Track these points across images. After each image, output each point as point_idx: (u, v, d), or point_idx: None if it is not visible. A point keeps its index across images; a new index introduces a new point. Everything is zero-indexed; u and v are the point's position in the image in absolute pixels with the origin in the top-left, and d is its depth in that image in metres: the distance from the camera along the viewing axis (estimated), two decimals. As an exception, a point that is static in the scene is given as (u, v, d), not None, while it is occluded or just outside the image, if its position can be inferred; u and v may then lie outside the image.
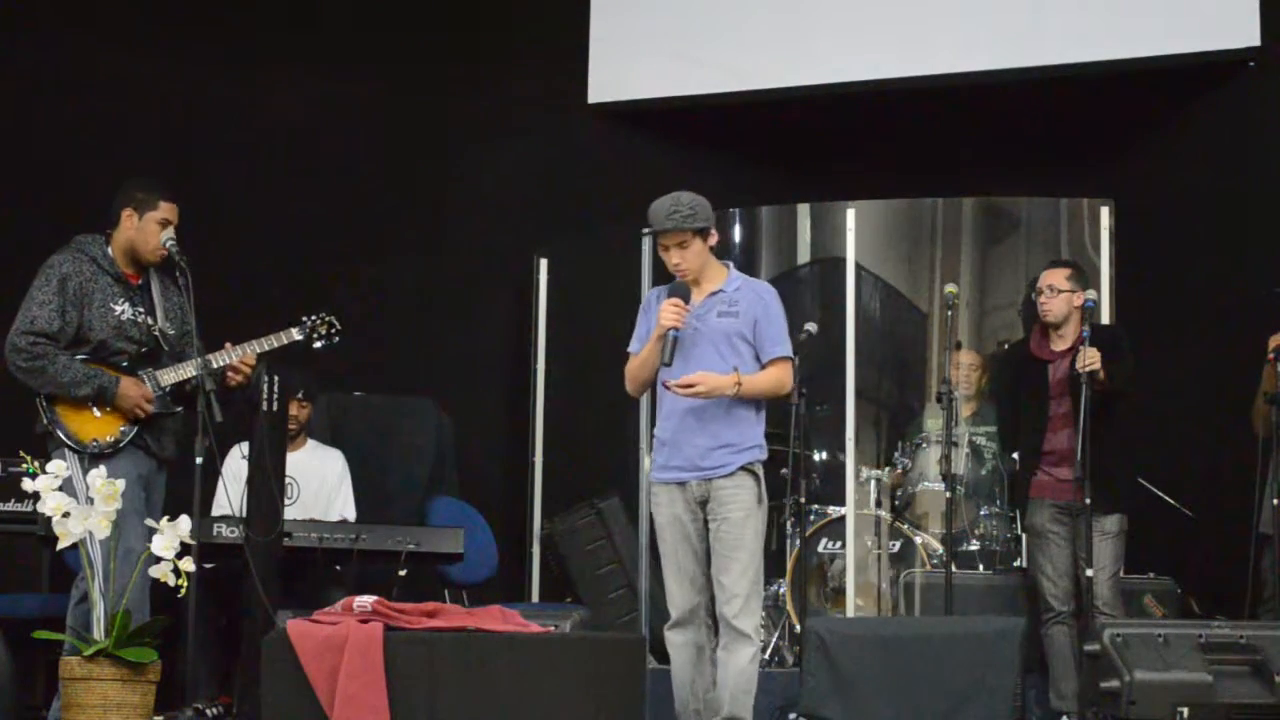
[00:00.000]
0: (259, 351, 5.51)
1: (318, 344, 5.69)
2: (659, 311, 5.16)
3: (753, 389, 5.19)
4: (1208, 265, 7.52)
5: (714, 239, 5.29)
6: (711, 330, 5.22)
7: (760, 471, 5.21)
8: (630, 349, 5.38)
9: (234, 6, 7.80)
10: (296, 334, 5.64)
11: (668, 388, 5.19)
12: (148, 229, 5.40)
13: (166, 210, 5.42)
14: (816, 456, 7.63)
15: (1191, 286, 7.55)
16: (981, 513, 7.17)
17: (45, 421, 5.25)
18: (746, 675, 5.12)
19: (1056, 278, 6.19)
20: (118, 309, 5.36)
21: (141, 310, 5.43)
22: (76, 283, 5.29)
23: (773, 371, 5.25)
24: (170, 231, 5.40)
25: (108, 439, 5.26)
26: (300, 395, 6.40)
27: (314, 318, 5.68)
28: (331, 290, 7.21)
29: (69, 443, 5.23)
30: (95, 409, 5.26)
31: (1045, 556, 6.14)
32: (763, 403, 5.31)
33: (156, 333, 5.43)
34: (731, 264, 5.44)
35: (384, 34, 8.14)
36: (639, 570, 7.30)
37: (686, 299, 5.20)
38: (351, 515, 6.56)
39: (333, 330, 5.71)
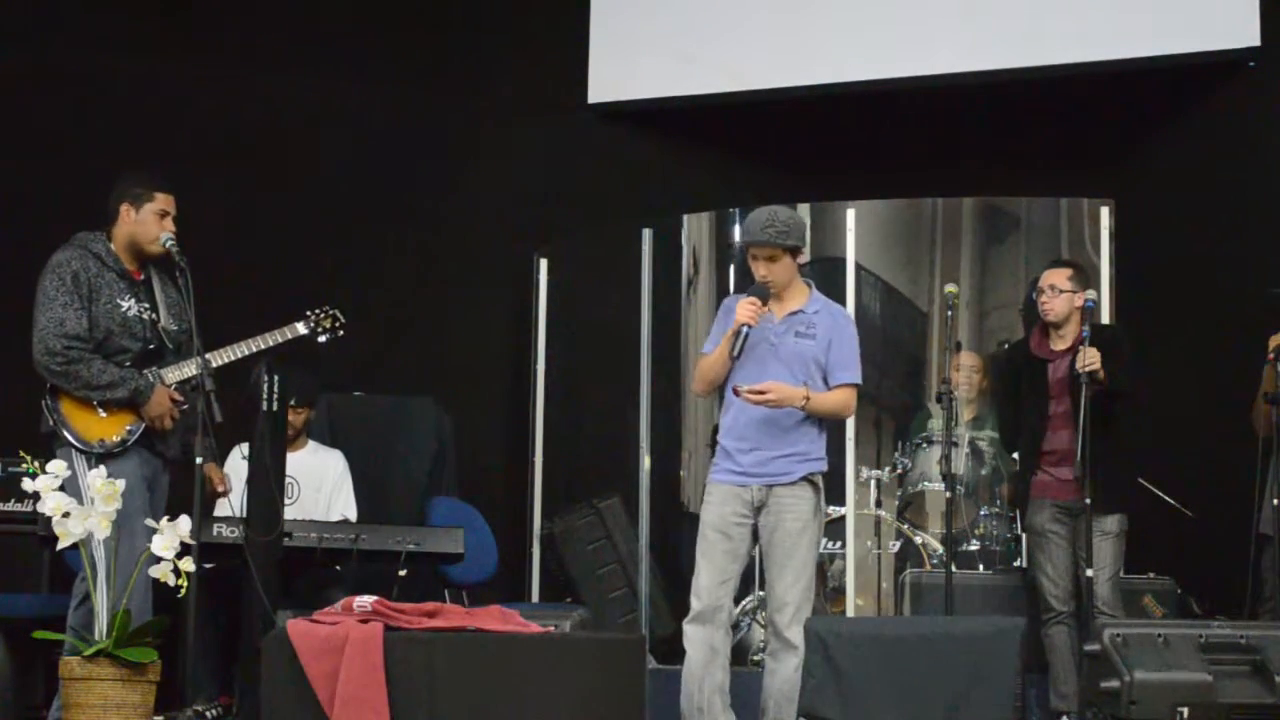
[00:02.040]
0: (264, 347, 5.51)
1: (322, 337, 5.71)
2: (737, 307, 5.24)
3: (818, 407, 5.28)
4: (1208, 266, 7.52)
5: (804, 258, 5.38)
6: (789, 351, 5.31)
7: (820, 483, 5.30)
8: (704, 349, 5.47)
9: (234, 6, 7.80)
10: (301, 328, 5.65)
11: (737, 393, 5.25)
12: (146, 221, 5.39)
13: (163, 201, 5.41)
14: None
15: (1191, 287, 7.55)
16: (981, 513, 7.17)
17: (51, 421, 5.24)
18: (791, 683, 5.20)
19: (1059, 278, 6.19)
20: (124, 305, 5.35)
21: (147, 306, 5.42)
22: (85, 278, 5.28)
23: (839, 394, 5.36)
24: (170, 228, 5.39)
25: (114, 438, 5.25)
26: (293, 402, 6.37)
27: (318, 311, 5.70)
28: (331, 290, 7.20)
29: (75, 443, 5.22)
30: (101, 409, 5.25)
31: (1045, 556, 6.13)
32: (825, 421, 5.40)
33: (161, 330, 5.43)
34: (813, 284, 5.47)
35: (383, 34, 8.14)
36: (639, 570, 7.30)
37: (765, 300, 5.28)
38: (353, 515, 6.56)
39: (337, 323, 5.73)
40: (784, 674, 5.21)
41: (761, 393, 5.19)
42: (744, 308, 5.22)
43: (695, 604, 5.26)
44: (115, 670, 4.61)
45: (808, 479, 5.28)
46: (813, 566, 5.31)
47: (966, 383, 7.37)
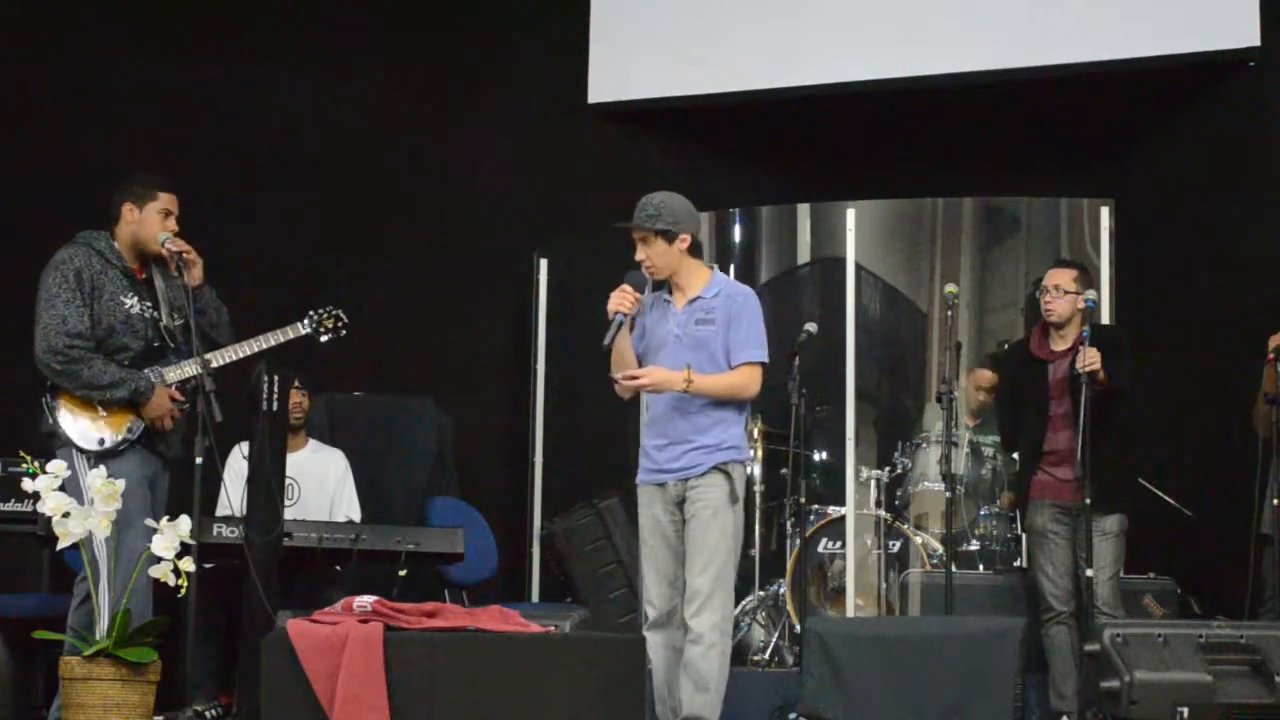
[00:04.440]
0: (266, 347, 5.51)
1: (324, 338, 5.70)
2: (611, 296, 5.23)
3: (706, 388, 5.19)
4: (1208, 265, 7.52)
5: (684, 243, 5.28)
6: (691, 338, 5.26)
7: (734, 472, 5.21)
8: None
9: (235, 7, 7.80)
10: (304, 328, 5.64)
11: (613, 380, 5.24)
12: (149, 220, 5.39)
13: (166, 201, 5.41)
14: (816, 456, 7.63)
15: (1191, 286, 7.55)
16: (981, 513, 7.17)
17: (51, 420, 5.24)
18: (703, 674, 5.07)
19: (1064, 278, 6.17)
20: (127, 302, 5.34)
21: (149, 304, 5.42)
22: (88, 275, 5.28)
23: (735, 374, 5.24)
24: (173, 227, 5.39)
25: (115, 438, 5.25)
26: (297, 384, 6.39)
27: (320, 311, 5.70)
28: (331, 290, 7.20)
29: (75, 442, 5.21)
30: (101, 408, 5.25)
31: (1045, 556, 6.13)
32: (745, 405, 5.33)
33: (163, 329, 5.43)
34: (716, 268, 5.45)
35: (383, 33, 8.14)
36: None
37: (641, 288, 5.27)
38: (357, 515, 6.57)
39: (339, 324, 5.72)
40: (695, 665, 5.06)
41: (636, 377, 5.17)
42: (614, 297, 5.22)
43: (650, 612, 5.24)
44: (115, 670, 4.61)
45: (719, 468, 5.18)
46: (726, 555, 5.16)
47: (979, 399, 7.38)
